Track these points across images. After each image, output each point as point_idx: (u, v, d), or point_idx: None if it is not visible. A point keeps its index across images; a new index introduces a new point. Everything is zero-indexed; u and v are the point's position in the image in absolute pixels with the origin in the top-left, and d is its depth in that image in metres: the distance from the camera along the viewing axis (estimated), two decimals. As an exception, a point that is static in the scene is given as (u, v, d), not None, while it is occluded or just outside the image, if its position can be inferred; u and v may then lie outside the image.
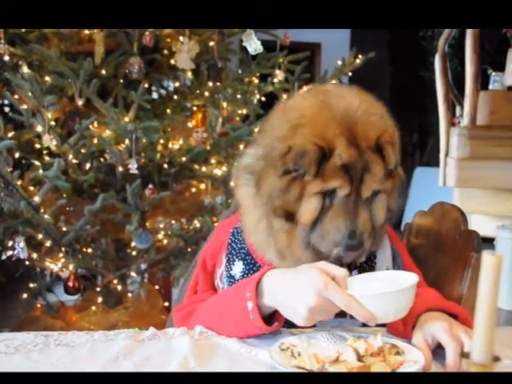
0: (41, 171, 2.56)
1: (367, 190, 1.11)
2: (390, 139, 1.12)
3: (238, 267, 1.25)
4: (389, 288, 0.99)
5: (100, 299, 2.88)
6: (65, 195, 2.63)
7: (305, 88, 1.35)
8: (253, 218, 1.21)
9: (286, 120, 1.15)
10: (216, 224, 2.72)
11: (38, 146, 2.69)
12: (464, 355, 0.70)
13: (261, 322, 1.06)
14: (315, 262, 1.07)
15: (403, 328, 1.09)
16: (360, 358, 0.95)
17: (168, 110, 2.96)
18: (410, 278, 1.02)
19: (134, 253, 2.85)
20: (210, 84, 2.95)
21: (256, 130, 2.80)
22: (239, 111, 3.09)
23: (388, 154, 1.11)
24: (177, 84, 3.06)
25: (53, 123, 2.57)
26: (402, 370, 0.93)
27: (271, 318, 1.09)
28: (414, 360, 0.95)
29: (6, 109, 3.10)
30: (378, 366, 0.92)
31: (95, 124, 2.65)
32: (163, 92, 3.17)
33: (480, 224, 3.67)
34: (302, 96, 1.22)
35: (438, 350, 1.00)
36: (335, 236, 1.09)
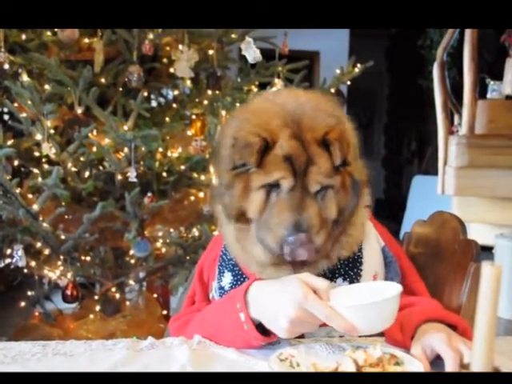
0: (40, 179, 2.56)
1: (313, 183, 1.08)
2: (338, 136, 1.09)
3: (227, 278, 1.25)
4: (372, 299, 0.99)
5: (98, 307, 2.87)
6: (63, 203, 2.62)
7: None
8: (228, 232, 1.20)
9: (234, 117, 1.18)
10: (215, 232, 2.72)
11: (37, 153, 2.69)
12: (464, 366, 0.70)
13: (255, 332, 1.06)
14: (299, 274, 1.06)
15: (402, 338, 1.09)
16: (359, 368, 0.95)
17: (167, 119, 2.96)
18: (393, 289, 1.01)
19: (132, 261, 2.85)
20: (209, 92, 2.95)
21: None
22: (238, 119, 3.09)
23: (334, 150, 1.09)
24: (176, 92, 3.06)
25: (52, 131, 2.57)
26: (401, 380, 0.92)
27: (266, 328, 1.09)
28: (413, 370, 0.95)
29: (6, 117, 3.10)
30: (377, 377, 0.92)
31: (94, 132, 2.65)
32: (162, 100, 3.18)
33: (479, 233, 3.67)
34: (258, 98, 1.23)
35: (437, 361, 1.00)
36: (280, 230, 1.06)
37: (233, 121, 1.17)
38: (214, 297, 1.29)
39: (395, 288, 1.01)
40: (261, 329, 1.07)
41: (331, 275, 1.18)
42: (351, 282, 1.19)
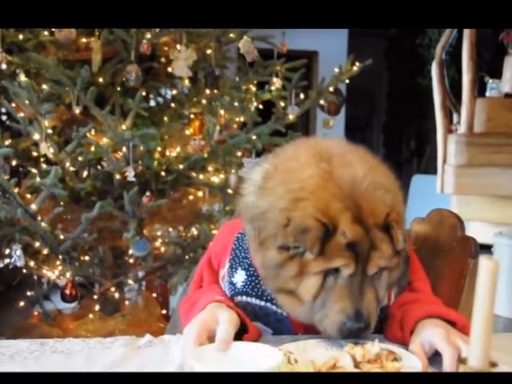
0: (38, 179, 2.55)
1: (373, 267, 1.05)
2: (398, 217, 1.06)
3: (240, 276, 1.24)
4: (241, 366, 0.90)
5: (97, 307, 2.86)
6: (62, 203, 2.62)
7: (305, 143, 1.22)
8: (257, 257, 1.16)
9: (286, 190, 1.07)
10: (214, 231, 2.72)
11: (35, 153, 2.69)
12: (461, 361, 0.70)
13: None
14: (218, 309, 1.05)
15: (401, 334, 1.09)
16: (357, 365, 0.95)
17: (165, 118, 2.96)
18: (270, 359, 0.88)
19: (131, 260, 2.84)
20: (208, 92, 2.95)
21: (254, 137, 2.81)
22: (236, 119, 3.09)
23: (396, 234, 1.05)
24: (174, 92, 3.06)
25: (50, 131, 2.56)
26: (399, 376, 0.92)
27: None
28: (411, 366, 0.95)
29: (3, 117, 3.10)
30: (375, 373, 0.92)
31: (92, 132, 2.65)
32: (160, 100, 3.18)
33: (478, 231, 3.67)
34: (304, 160, 1.12)
35: (435, 357, 1.00)
36: (340, 317, 1.04)
37: (283, 194, 1.07)
38: (221, 284, 1.29)
39: (273, 359, 0.88)
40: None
41: None
42: None
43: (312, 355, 1.01)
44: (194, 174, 2.86)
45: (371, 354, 0.98)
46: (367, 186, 1.06)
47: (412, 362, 0.96)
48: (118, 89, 2.81)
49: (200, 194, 2.98)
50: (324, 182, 1.06)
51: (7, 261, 2.61)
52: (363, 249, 1.03)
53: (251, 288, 1.22)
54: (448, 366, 0.94)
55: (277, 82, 3.14)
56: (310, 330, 1.15)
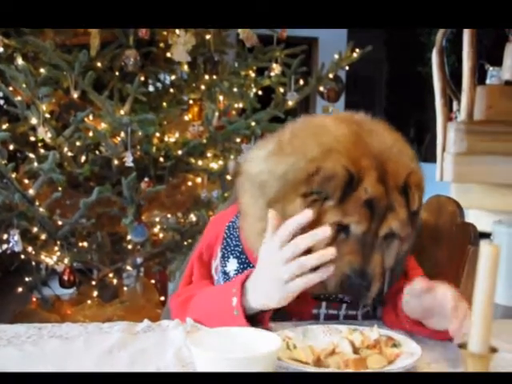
0: (36, 164, 2.55)
1: (386, 228, 1.06)
2: (418, 181, 1.09)
3: (232, 265, 1.23)
4: (240, 351, 0.89)
5: (95, 293, 2.87)
6: (60, 188, 2.61)
7: (337, 113, 1.29)
8: (255, 230, 1.15)
9: (317, 142, 1.08)
10: (212, 218, 2.72)
11: (32, 138, 2.67)
12: (461, 346, 0.70)
13: (243, 320, 1.04)
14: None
15: (396, 318, 1.10)
16: (356, 351, 0.95)
17: (164, 103, 2.95)
18: (269, 345, 0.87)
19: (129, 246, 2.84)
20: (207, 77, 2.94)
21: (253, 123, 2.80)
22: (236, 105, 3.08)
23: (413, 196, 1.07)
24: (173, 77, 3.04)
25: (48, 116, 2.55)
26: (398, 362, 0.92)
27: (255, 320, 1.07)
28: (410, 352, 0.95)
29: (1, 101, 3.08)
30: (374, 358, 0.92)
31: (90, 117, 2.64)
32: (159, 85, 3.16)
33: (477, 219, 3.67)
34: (334, 121, 1.14)
35: (435, 347, 1.00)
36: (345, 269, 1.04)
37: (314, 145, 1.08)
38: (214, 276, 1.28)
39: (273, 343, 0.87)
40: (249, 319, 1.06)
41: None
42: None
43: (311, 341, 1.01)
44: (192, 160, 2.85)
45: (370, 339, 0.98)
46: (394, 152, 1.09)
47: (411, 347, 0.96)
48: (117, 73, 2.80)
49: (199, 180, 2.97)
50: (356, 140, 1.08)
51: (5, 246, 2.61)
52: (380, 208, 1.05)
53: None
54: (456, 325, 0.95)
55: (276, 68, 3.12)
56: (304, 315, 1.15)
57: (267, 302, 1.04)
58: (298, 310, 1.15)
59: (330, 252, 0.99)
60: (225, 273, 1.24)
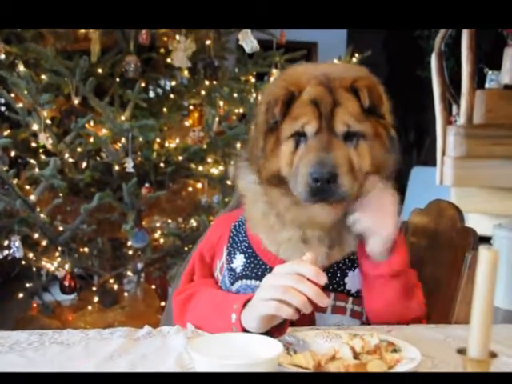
0: (37, 170, 2.55)
1: (340, 124, 1.10)
2: (368, 84, 1.13)
3: (239, 260, 1.25)
4: (242, 357, 0.89)
5: (96, 299, 2.87)
6: (61, 194, 2.61)
7: None
8: (257, 209, 1.21)
9: (282, 79, 1.20)
10: (213, 223, 2.71)
11: (33, 144, 2.68)
12: (461, 351, 0.70)
13: None
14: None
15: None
16: (356, 356, 0.95)
17: (164, 109, 2.95)
18: (269, 350, 0.87)
19: (130, 252, 2.84)
20: (207, 83, 2.94)
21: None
22: (236, 110, 3.08)
23: (363, 94, 1.11)
24: (173, 83, 3.05)
25: (49, 122, 2.56)
26: (398, 367, 0.92)
27: None
28: (410, 357, 0.95)
29: (2, 107, 3.09)
30: (374, 364, 0.92)
31: (91, 123, 2.64)
32: (160, 91, 3.16)
33: (477, 223, 3.66)
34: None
35: (435, 353, 1.00)
36: (305, 169, 1.08)
37: (270, 86, 1.22)
38: (219, 276, 1.29)
39: (274, 349, 0.88)
40: None
41: (344, 267, 1.21)
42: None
43: (311, 346, 1.01)
44: (193, 166, 2.85)
45: (370, 345, 0.98)
46: (341, 66, 1.24)
47: (411, 352, 0.96)
48: (117, 79, 2.80)
49: (199, 185, 2.98)
50: (303, 67, 1.21)
51: (6, 252, 2.61)
52: (326, 104, 1.10)
53: (250, 270, 1.23)
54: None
55: (276, 73, 3.12)
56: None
57: (248, 322, 1.03)
58: None
59: (309, 309, 0.97)
60: (231, 269, 1.25)
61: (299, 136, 1.11)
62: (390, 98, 1.19)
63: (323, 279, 0.98)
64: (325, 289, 1.05)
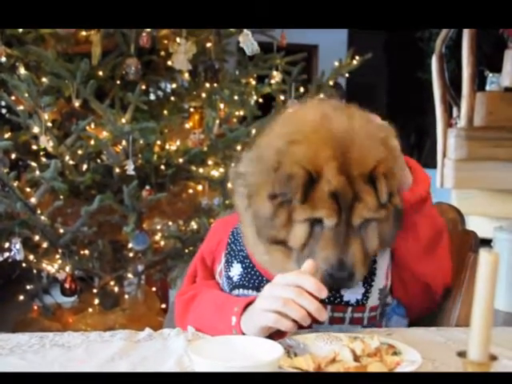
0: (37, 172, 2.55)
1: (358, 218, 1.06)
2: (386, 170, 1.06)
3: (236, 269, 1.24)
4: (242, 360, 0.89)
5: (97, 301, 2.87)
6: (61, 196, 2.61)
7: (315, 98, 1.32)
8: (251, 231, 1.17)
9: (284, 132, 1.11)
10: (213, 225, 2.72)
11: (34, 147, 2.68)
12: (461, 354, 0.70)
13: None
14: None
15: None
16: (357, 359, 0.95)
17: (165, 112, 2.95)
18: (269, 353, 0.88)
19: (130, 254, 2.84)
20: (207, 85, 2.94)
21: (253, 131, 2.80)
22: (236, 112, 3.09)
23: (380, 187, 1.05)
24: (174, 85, 3.05)
25: (49, 124, 2.56)
26: (399, 369, 0.92)
27: None
28: (411, 360, 0.95)
29: (3, 110, 3.10)
30: (374, 366, 0.92)
31: (92, 125, 2.64)
32: (160, 93, 3.17)
33: (478, 225, 3.67)
34: (307, 107, 1.18)
35: (436, 355, 1.00)
36: (323, 266, 1.06)
37: (281, 135, 1.10)
38: (219, 280, 1.29)
39: (274, 351, 0.88)
40: None
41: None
42: (365, 293, 1.20)
43: (311, 349, 1.01)
44: (193, 168, 2.85)
45: (371, 347, 0.98)
46: (360, 135, 1.07)
47: (412, 355, 0.96)
48: (118, 82, 2.80)
49: (200, 187, 2.98)
50: (320, 126, 1.08)
51: (7, 254, 2.61)
52: (346, 199, 1.05)
53: (247, 280, 1.22)
54: None
55: (277, 76, 3.13)
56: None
57: (247, 328, 1.04)
58: None
59: (307, 322, 0.98)
60: (228, 277, 1.25)
61: (315, 220, 1.07)
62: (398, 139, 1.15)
63: (324, 293, 0.97)
64: (322, 301, 1.06)
